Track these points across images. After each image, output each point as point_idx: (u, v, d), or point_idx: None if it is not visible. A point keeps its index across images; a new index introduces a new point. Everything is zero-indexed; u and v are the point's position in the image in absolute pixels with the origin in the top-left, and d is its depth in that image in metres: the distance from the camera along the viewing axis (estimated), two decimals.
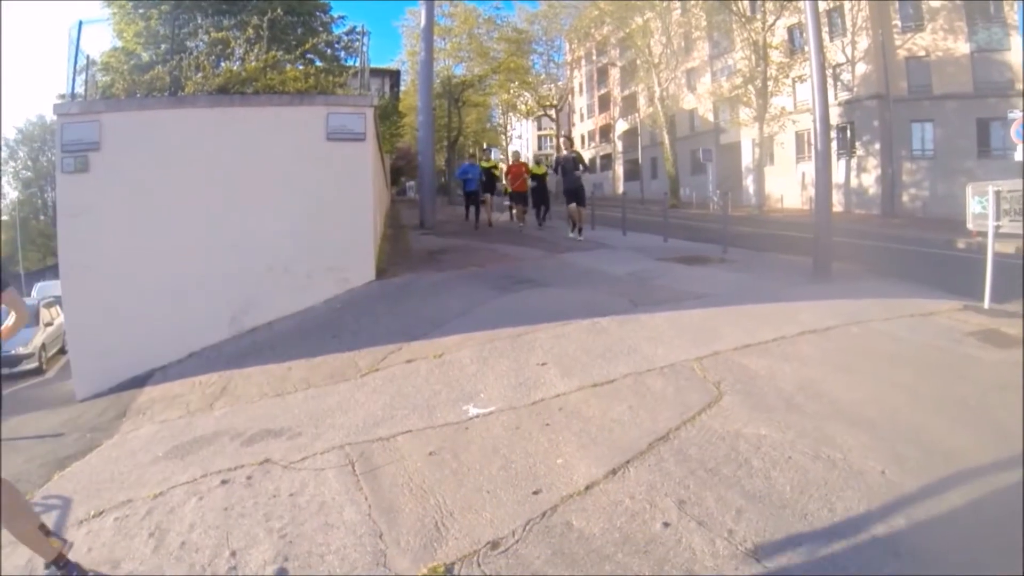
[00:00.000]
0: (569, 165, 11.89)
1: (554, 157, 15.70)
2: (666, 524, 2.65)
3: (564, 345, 5.12)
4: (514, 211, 14.98)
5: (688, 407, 3.74)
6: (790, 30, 27.47)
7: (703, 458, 3.13)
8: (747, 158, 31.89)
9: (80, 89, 8.48)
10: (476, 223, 14.82)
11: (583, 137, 53.08)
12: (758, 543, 2.49)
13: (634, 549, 2.52)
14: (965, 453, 3.04)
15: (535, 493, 2.99)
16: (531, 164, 16.08)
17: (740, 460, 3.09)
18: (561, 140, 15.77)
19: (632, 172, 45.15)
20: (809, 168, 26.08)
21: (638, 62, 36.39)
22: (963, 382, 3.96)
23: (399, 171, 40.10)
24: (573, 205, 11.93)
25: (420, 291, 7.49)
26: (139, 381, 6.40)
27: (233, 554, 2.81)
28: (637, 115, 41.65)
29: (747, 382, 4.06)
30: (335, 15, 16.17)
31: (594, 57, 47.69)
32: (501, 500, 2.97)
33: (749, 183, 31.25)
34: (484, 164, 15.58)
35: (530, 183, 14.51)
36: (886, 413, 3.53)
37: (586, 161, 12.72)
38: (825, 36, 20.93)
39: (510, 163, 14.98)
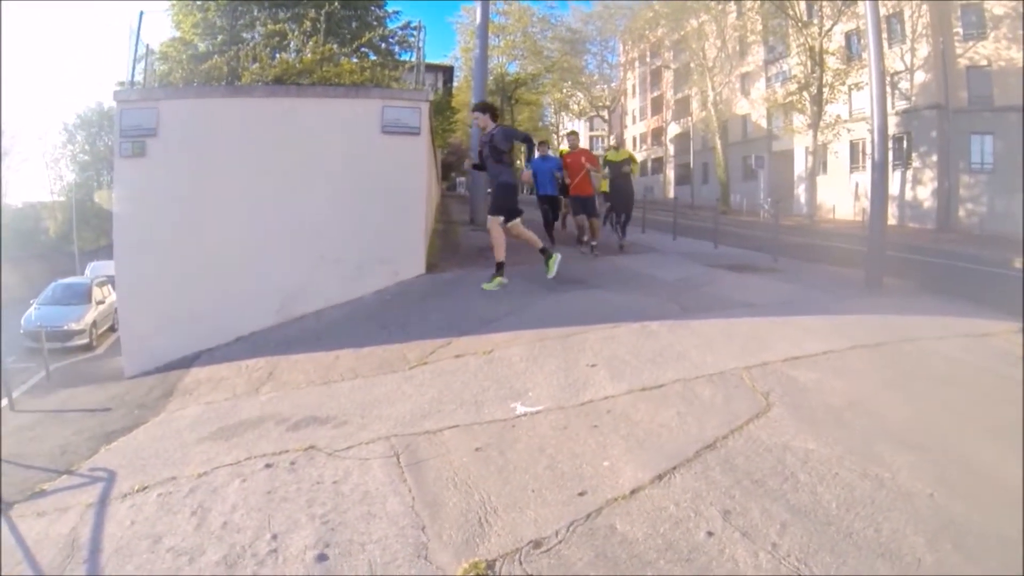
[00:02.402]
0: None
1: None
2: (710, 533, 2.56)
3: (613, 347, 5.03)
4: (577, 224, 10.58)
5: (736, 416, 3.63)
6: (847, 36, 26.87)
7: (750, 469, 3.03)
8: (800, 166, 31.24)
9: (139, 77, 8.71)
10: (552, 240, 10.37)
11: (635, 139, 52.68)
12: (802, 558, 2.39)
13: (677, 556, 2.44)
14: (1017, 481, 2.87)
15: (580, 494, 2.92)
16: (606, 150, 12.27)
17: (787, 473, 2.98)
18: (567, 137, 11.51)
19: (683, 176, 44.66)
20: (863, 178, 25.57)
21: (692, 65, 36.12)
22: (1017, 407, 3.76)
23: (450, 166, 40.41)
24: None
25: (469, 287, 7.45)
26: (186, 362, 6.51)
27: (274, 537, 2.79)
28: (690, 119, 41.24)
29: (796, 394, 3.92)
30: (390, 10, 16.34)
31: (648, 59, 47.30)
32: (546, 499, 2.90)
33: (801, 192, 30.64)
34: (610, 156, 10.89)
35: (598, 178, 10.79)
36: (936, 434, 3.38)
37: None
38: (884, 43, 20.37)
39: (568, 151, 10.39)
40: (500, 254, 7.00)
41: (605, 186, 11.43)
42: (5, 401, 6.73)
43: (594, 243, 9.90)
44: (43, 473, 4.19)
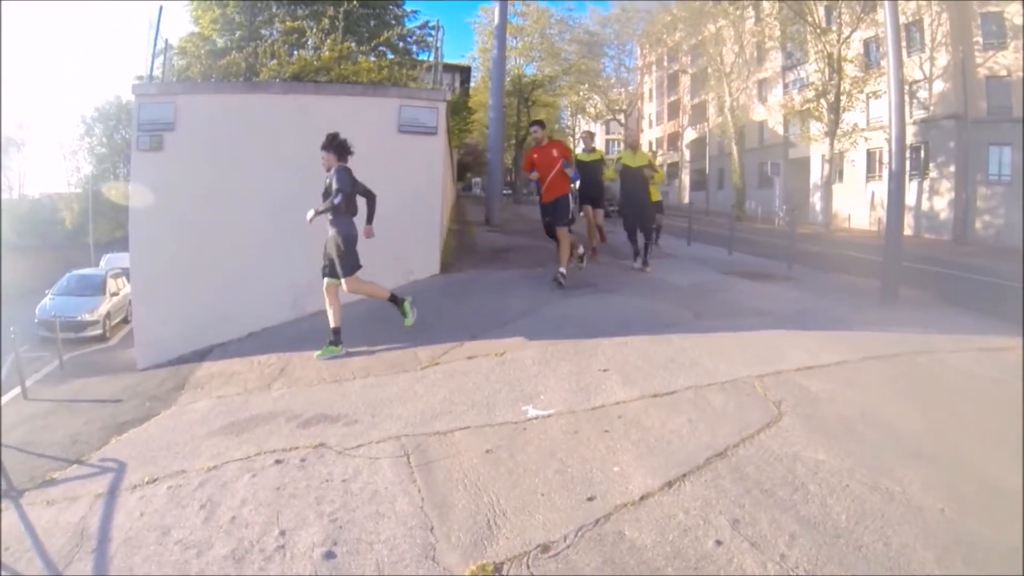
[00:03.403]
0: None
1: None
2: (718, 542, 2.54)
3: (626, 353, 5.01)
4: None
5: (748, 425, 3.60)
6: (866, 43, 26.63)
7: (760, 478, 3.01)
8: (816, 174, 30.99)
9: (158, 71, 8.76)
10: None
11: (651, 143, 52.49)
12: (810, 570, 2.37)
13: (685, 564, 2.43)
14: None
15: (589, 499, 2.91)
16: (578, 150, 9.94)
17: (797, 484, 2.96)
18: (582, 139, 10.83)
19: (698, 182, 44.43)
20: (879, 188, 25.36)
21: (709, 70, 35.93)
22: None
23: (465, 167, 40.49)
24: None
25: (484, 288, 7.47)
26: (198, 356, 6.55)
27: (282, 533, 2.80)
28: (706, 124, 41.07)
29: (808, 404, 3.89)
30: (408, 9, 16.41)
31: (665, 63, 47.09)
32: (555, 503, 2.89)
33: (816, 200, 30.41)
34: (583, 156, 9.34)
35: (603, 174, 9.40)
36: (948, 448, 3.35)
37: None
38: (903, 51, 20.18)
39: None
40: (336, 316, 5.86)
41: (656, 194, 9.90)
42: (17, 390, 6.80)
43: (563, 270, 7.54)
44: (54, 462, 4.22)
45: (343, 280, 5.73)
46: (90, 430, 4.84)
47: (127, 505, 3.28)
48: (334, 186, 5.52)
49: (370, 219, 5.87)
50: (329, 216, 5.65)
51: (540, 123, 8.22)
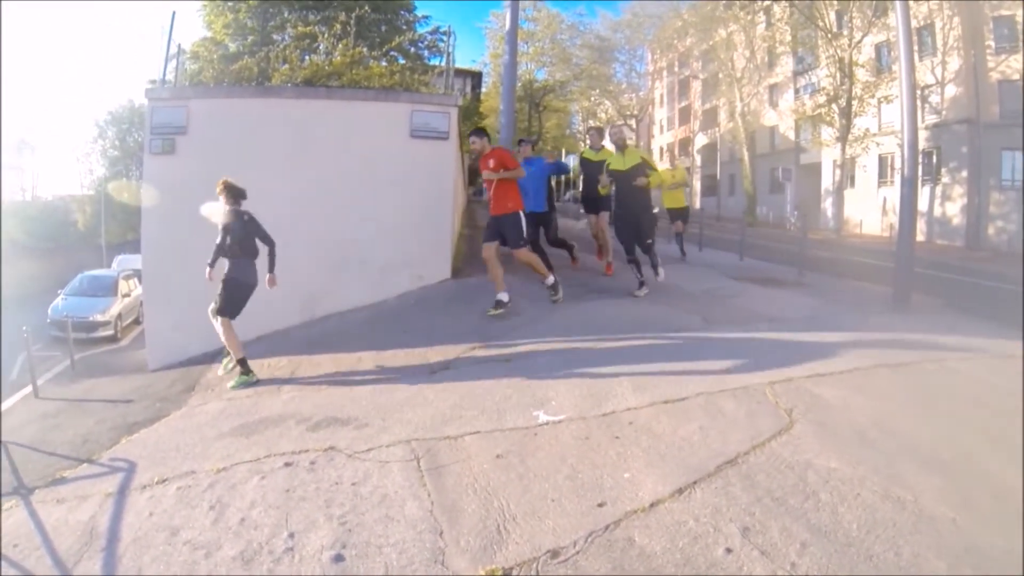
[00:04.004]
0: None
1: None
2: (728, 550, 2.51)
3: (637, 358, 5.00)
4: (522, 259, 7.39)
5: (759, 432, 3.56)
6: (877, 48, 26.46)
7: (771, 486, 2.97)
8: (827, 179, 30.79)
9: (170, 76, 8.84)
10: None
11: (661, 149, 52.40)
12: None
13: (694, 572, 2.41)
14: None
15: (599, 505, 2.89)
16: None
17: (808, 492, 2.92)
18: (588, 134, 10.15)
19: (710, 188, 44.19)
20: (891, 193, 25.20)
21: (720, 75, 35.80)
22: None
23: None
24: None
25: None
26: (209, 358, 6.58)
27: (291, 535, 2.79)
28: (717, 130, 40.84)
29: (820, 412, 3.85)
30: (419, 14, 16.46)
31: (676, 68, 46.94)
32: (565, 509, 2.87)
33: (828, 205, 30.22)
34: (590, 156, 8.58)
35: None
36: (960, 456, 3.29)
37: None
38: (915, 55, 20.02)
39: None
40: (236, 349, 5.76)
41: (681, 200, 9.57)
42: (29, 388, 6.85)
43: (550, 281, 6.86)
44: (64, 460, 4.27)
45: (219, 318, 5.69)
46: (100, 430, 4.89)
47: (136, 505, 3.29)
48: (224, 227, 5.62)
49: (271, 267, 5.73)
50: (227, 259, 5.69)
51: (477, 132, 6.78)
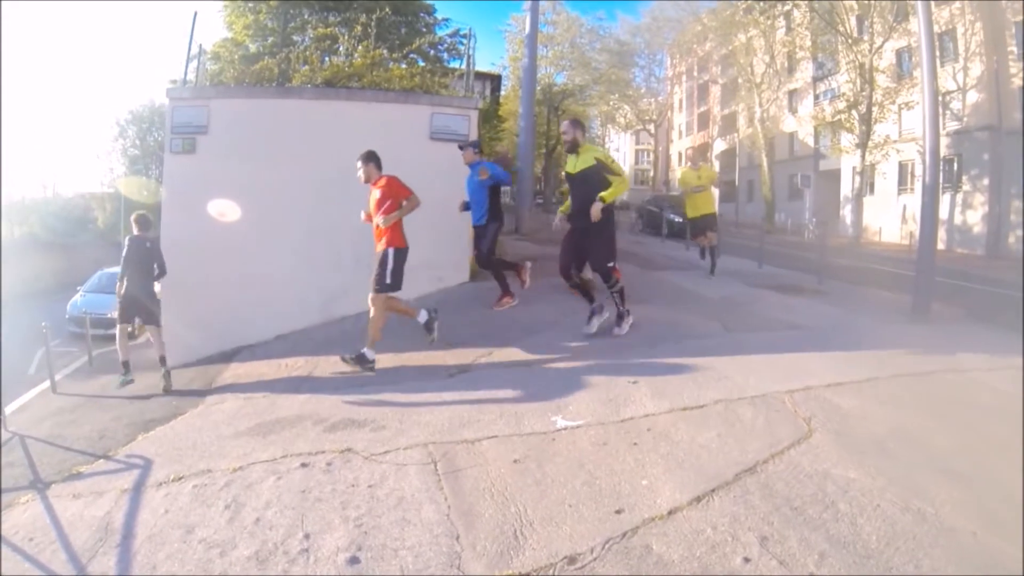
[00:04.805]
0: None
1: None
2: (746, 559, 2.47)
3: (655, 365, 4.97)
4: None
5: (777, 440, 3.52)
6: (898, 53, 26.17)
7: (789, 495, 2.93)
8: (846, 186, 30.45)
9: (191, 76, 8.91)
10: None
11: (680, 154, 52.25)
12: None
13: None
14: None
15: (617, 512, 2.85)
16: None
17: (827, 502, 2.88)
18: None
19: (728, 194, 43.86)
20: (911, 201, 24.92)
21: (739, 80, 35.66)
22: None
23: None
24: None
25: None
26: (226, 356, 6.62)
27: (307, 536, 2.78)
28: (736, 135, 40.67)
29: (838, 421, 3.80)
30: (439, 17, 16.50)
31: (695, 73, 46.84)
32: (582, 515, 2.84)
33: (847, 213, 29.88)
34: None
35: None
36: (981, 468, 3.23)
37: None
38: (936, 61, 19.75)
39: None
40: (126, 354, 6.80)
41: (708, 205, 8.61)
42: (47, 384, 6.91)
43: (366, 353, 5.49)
44: (81, 456, 4.30)
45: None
46: (117, 426, 4.92)
47: (152, 502, 3.29)
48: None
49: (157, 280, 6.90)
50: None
51: (364, 156, 5.85)
